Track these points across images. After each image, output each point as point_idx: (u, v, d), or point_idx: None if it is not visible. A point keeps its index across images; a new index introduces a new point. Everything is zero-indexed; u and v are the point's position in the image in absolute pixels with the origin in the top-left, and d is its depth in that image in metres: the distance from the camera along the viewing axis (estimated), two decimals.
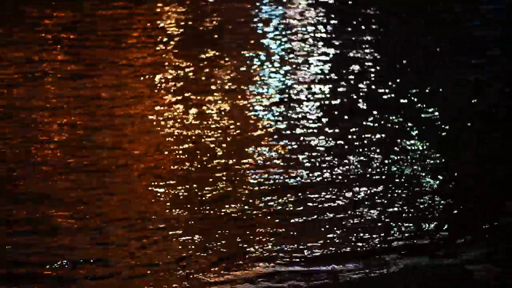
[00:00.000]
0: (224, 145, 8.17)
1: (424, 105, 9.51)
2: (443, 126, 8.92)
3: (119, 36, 11.51)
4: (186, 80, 9.99)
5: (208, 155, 7.94)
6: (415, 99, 9.71)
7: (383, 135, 8.64)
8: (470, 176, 7.76)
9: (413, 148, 8.39)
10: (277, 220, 6.80)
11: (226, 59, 10.70)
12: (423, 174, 7.80)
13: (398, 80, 10.36)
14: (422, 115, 9.20)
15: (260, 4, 13.62)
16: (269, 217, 6.83)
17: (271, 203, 7.04)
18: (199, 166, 7.70)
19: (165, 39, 11.46)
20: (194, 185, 7.30)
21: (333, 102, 9.54)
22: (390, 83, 10.21)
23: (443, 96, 9.83)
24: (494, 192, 7.45)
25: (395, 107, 9.45)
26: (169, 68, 10.36)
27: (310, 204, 7.06)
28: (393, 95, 9.85)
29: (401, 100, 9.69)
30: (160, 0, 13.35)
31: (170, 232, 6.56)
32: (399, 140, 8.52)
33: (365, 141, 8.44)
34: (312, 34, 12.09)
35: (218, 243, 6.41)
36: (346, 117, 9.11)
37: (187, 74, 10.19)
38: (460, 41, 11.99)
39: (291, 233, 6.63)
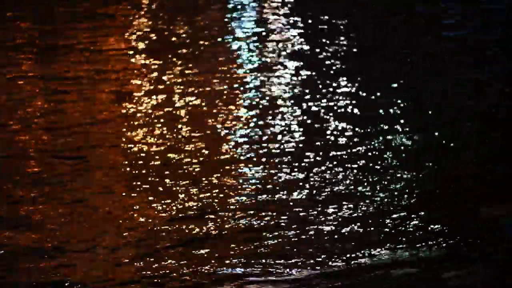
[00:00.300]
0: (197, 160, 7.93)
1: (424, 105, 9.50)
2: (443, 126, 8.91)
3: (93, 47, 11.22)
4: (160, 92, 9.69)
5: (181, 170, 7.71)
6: (415, 99, 9.70)
7: (380, 135, 8.62)
8: (470, 176, 7.75)
9: (412, 148, 8.38)
10: (254, 238, 6.57)
11: (201, 72, 10.36)
12: (422, 174, 7.79)
13: (397, 80, 10.35)
14: (422, 115, 9.19)
15: (236, 13, 13.25)
16: (246, 235, 6.61)
17: (248, 221, 6.83)
18: (172, 181, 7.48)
19: (139, 51, 11.14)
20: (165, 203, 7.06)
21: (323, 108, 9.51)
22: (389, 83, 10.21)
23: (443, 96, 9.82)
24: (494, 192, 7.44)
25: (394, 107, 9.44)
26: (142, 81, 10.08)
27: (287, 221, 6.86)
28: (392, 95, 9.84)
29: (401, 100, 9.68)
30: (134, 13, 12.97)
31: (140, 252, 6.34)
32: (396, 141, 8.51)
33: (357, 145, 8.39)
34: (292, 41, 12.02)
35: (193, 262, 6.22)
36: (336, 124, 8.99)
37: (161, 86, 9.89)
38: (460, 41, 11.97)
39: (267, 251, 6.43)
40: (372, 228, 6.78)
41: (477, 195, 7.38)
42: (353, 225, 6.80)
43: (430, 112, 9.31)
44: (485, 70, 10.69)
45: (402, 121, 9.01)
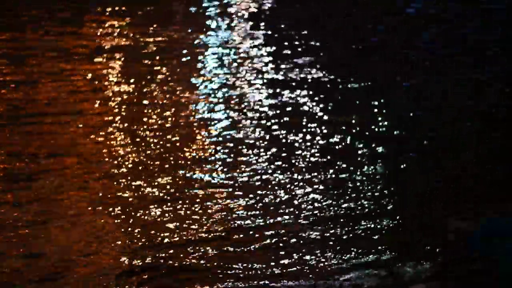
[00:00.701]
0: (168, 181, 7.41)
1: (424, 105, 9.51)
2: (443, 126, 8.92)
3: (59, 66, 10.38)
4: (126, 116, 8.96)
5: (151, 193, 7.22)
6: (415, 99, 9.71)
7: (379, 136, 8.63)
8: (470, 176, 7.75)
9: (411, 148, 8.39)
10: (218, 266, 6.26)
11: (166, 95, 9.61)
12: (421, 174, 7.79)
13: (397, 80, 10.36)
14: (422, 115, 9.20)
15: (200, 33, 12.38)
16: (209, 264, 6.27)
17: (212, 249, 6.45)
18: (135, 216, 6.89)
19: (103, 74, 10.24)
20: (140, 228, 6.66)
21: (319, 109, 9.50)
22: (389, 83, 10.22)
23: (443, 96, 9.83)
24: (494, 192, 7.44)
25: (393, 107, 9.44)
26: (109, 104, 9.30)
27: (252, 246, 6.52)
28: (392, 96, 9.85)
29: (400, 100, 9.69)
30: (99, 34, 11.99)
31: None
32: (396, 141, 8.53)
33: (355, 146, 8.35)
34: (291, 41, 11.98)
35: None
36: (333, 124, 8.93)
37: (128, 109, 9.16)
38: (460, 41, 11.99)
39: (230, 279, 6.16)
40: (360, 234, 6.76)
41: (477, 195, 7.38)
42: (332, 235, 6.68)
43: (430, 112, 9.31)
44: (485, 70, 10.71)
45: (402, 121, 9.02)
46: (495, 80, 10.35)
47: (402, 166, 7.93)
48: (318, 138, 8.50)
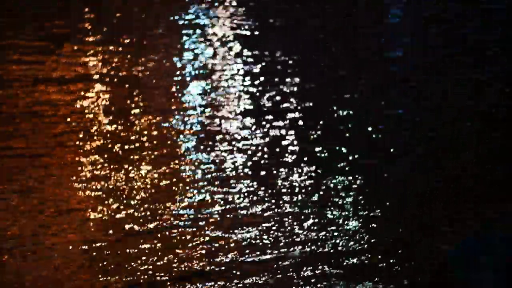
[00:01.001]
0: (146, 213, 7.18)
1: (424, 105, 9.51)
2: (443, 126, 8.92)
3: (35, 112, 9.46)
4: (104, 148, 8.49)
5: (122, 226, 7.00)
6: (415, 99, 9.71)
7: (379, 136, 8.62)
8: (470, 176, 7.75)
9: (411, 148, 8.39)
10: None
11: (145, 126, 9.05)
12: (421, 174, 7.79)
13: (397, 81, 10.36)
14: (422, 115, 9.20)
15: (181, 60, 11.55)
16: None
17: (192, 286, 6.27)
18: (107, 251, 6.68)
19: (81, 104, 9.54)
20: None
21: (319, 113, 9.50)
22: (388, 83, 10.21)
23: (443, 96, 9.83)
24: (494, 192, 7.45)
25: (394, 108, 9.44)
26: (86, 135, 8.75)
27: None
28: (391, 95, 9.85)
29: (400, 100, 9.69)
30: (78, 63, 10.97)
31: None
32: (396, 141, 8.52)
33: (354, 145, 8.37)
34: (290, 42, 11.93)
35: None
36: (331, 125, 8.98)
37: (106, 141, 8.61)
38: (460, 41, 11.98)
39: None
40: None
41: (477, 195, 7.38)
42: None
43: (430, 112, 9.31)
44: (485, 70, 10.70)
45: (402, 121, 9.02)
46: (495, 80, 10.35)
47: (401, 166, 7.94)
48: (309, 163, 8.24)
